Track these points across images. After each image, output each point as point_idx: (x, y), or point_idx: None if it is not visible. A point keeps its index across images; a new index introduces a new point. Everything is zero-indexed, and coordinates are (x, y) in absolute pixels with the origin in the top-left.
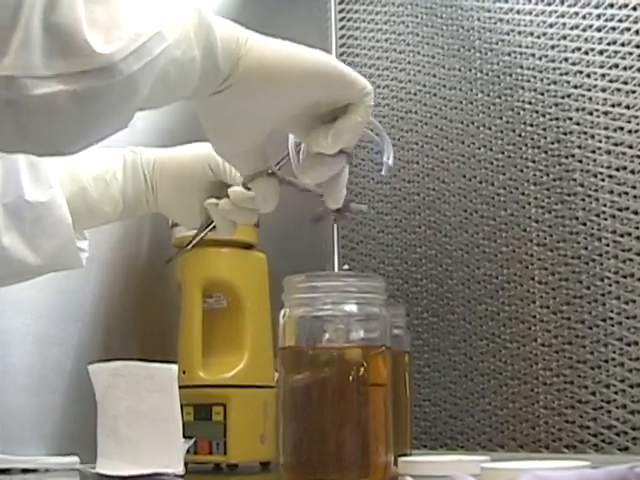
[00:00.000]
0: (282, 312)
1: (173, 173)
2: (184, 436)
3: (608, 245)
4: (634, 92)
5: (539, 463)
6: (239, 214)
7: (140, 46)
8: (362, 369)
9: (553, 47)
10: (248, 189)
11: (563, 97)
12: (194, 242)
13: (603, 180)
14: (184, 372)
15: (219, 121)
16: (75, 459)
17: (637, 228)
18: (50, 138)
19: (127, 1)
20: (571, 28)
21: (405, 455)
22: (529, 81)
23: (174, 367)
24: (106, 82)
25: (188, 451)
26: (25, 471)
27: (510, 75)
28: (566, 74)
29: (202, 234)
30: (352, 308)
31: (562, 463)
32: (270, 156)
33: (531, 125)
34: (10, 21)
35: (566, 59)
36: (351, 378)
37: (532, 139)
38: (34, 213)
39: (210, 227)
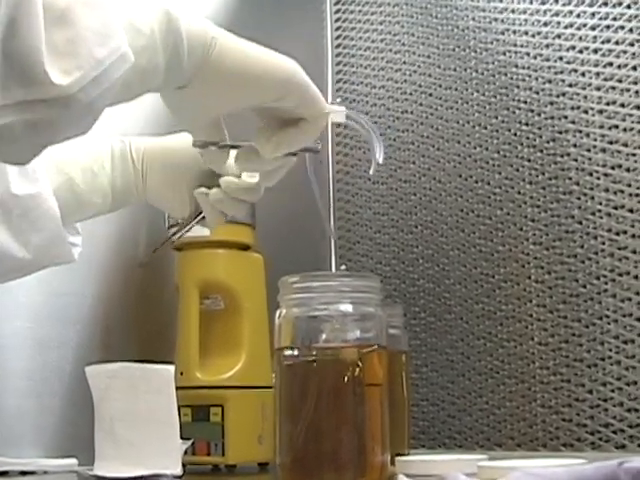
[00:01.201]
0: (277, 312)
1: (163, 162)
2: (182, 437)
3: (604, 243)
4: (628, 90)
5: (535, 461)
6: (229, 204)
7: (100, 73)
8: (357, 369)
9: (548, 46)
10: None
11: (558, 96)
12: (182, 233)
13: (598, 178)
14: (182, 373)
15: (179, 107)
16: (73, 461)
17: (632, 226)
18: (8, 157)
19: (90, 20)
20: (565, 27)
21: (403, 454)
22: (524, 80)
23: (171, 368)
24: (63, 111)
25: (186, 452)
26: (23, 473)
27: (505, 74)
28: (561, 73)
29: (190, 225)
30: (347, 308)
31: (558, 461)
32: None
33: (526, 124)
34: None
35: (561, 58)
36: (347, 378)
37: (527, 138)
38: (22, 206)
39: (198, 218)
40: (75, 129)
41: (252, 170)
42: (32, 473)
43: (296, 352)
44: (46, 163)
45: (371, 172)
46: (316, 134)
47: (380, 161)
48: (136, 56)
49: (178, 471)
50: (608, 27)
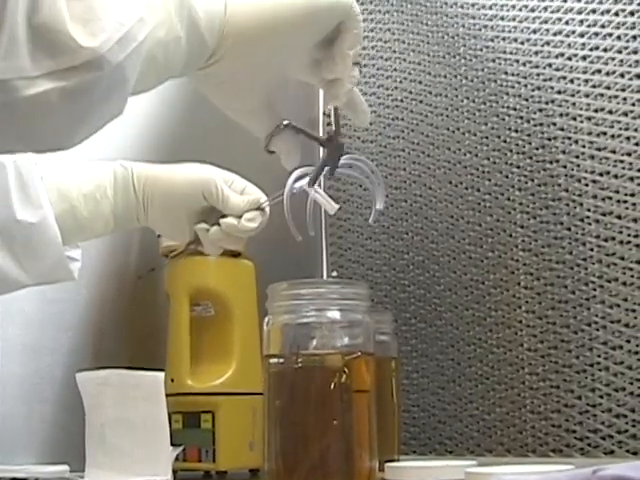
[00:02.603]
0: (266, 319)
1: (166, 192)
2: (172, 444)
3: (592, 250)
4: (616, 97)
5: (524, 467)
6: (228, 241)
7: (124, 34)
8: (344, 376)
9: (537, 53)
10: (271, 152)
11: (547, 103)
12: (180, 256)
13: (587, 185)
14: (172, 380)
15: (221, 88)
16: (65, 468)
17: (621, 232)
18: (45, 136)
19: None
20: (554, 34)
21: (393, 460)
22: (513, 87)
23: (160, 374)
24: (95, 74)
25: (177, 458)
26: None
27: (495, 81)
28: (550, 80)
29: (188, 251)
30: (335, 315)
31: (547, 467)
32: (281, 110)
33: (516, 131)
34: None
35: (550, 65)
36: (334, 385)
37: (517, 145)
38: (25, 233)
39: (195, 247)
40: (109, 97)
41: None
42: None
43: (283, 359)
44: (48, 187)
45: (370, 220)
46: (360, 22)
47: (380, 208)
48: (154, 29)
49: (168, 477)
50: (596, 34)
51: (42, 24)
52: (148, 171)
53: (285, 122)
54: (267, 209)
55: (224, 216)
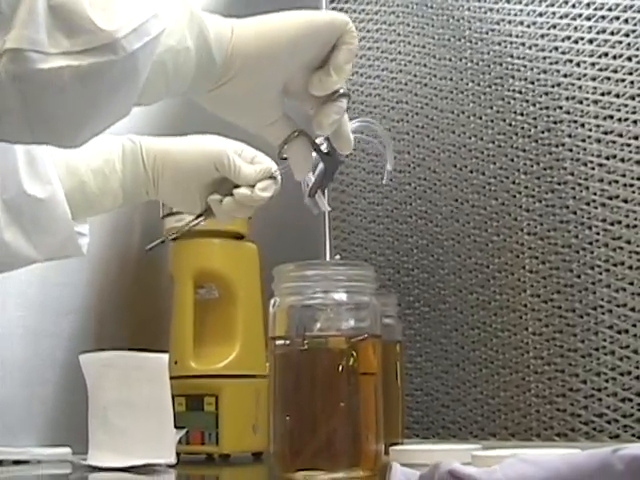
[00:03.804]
0: (272, 301)
1: (177, 165)
2: (176, 426)
3: (598, 233)
4: (623, 80)
5: (529, 451)
6: (241, 211)
7: (139, 26)
8: (351, 358)
9: (543, 36)
10: (284, 159)
11: (553, 86)
12: (191, 226)
13: (593, 169)
14: (176, 362)
15: (234, 108)
16: (67, 450)
17: (627, 216)
18: (54, 120)
19: None
20: (560, 17)
21: (397, 444)
22: (519, 70)
23: (165, 356)
24: (109, 58)
25: (180, 441)
26: (17, 462)
27: (500, 64)
28: (556, 63)
29: (200, 220)
30: (342, 297)
31: (552, 451)
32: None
33: (521, 114)
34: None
35: (556, 48)
36: (341, 367)
37: (522, 128)
38: (34, 209)
39: (206, 217)
40: (120, 87)
41: (331, 122)
42: (26, 462)
43: (289, 341)
44: (57, 164)
45: (384, 181)
46: (355, 39)
47: (391, 169)
48: (166, 36)
49: (172, 460)
50: (603, 17)
51: (60, 5)
52: (157, 145)
53: (298, 130)
54: (279, 177)
55: (237, 186)
